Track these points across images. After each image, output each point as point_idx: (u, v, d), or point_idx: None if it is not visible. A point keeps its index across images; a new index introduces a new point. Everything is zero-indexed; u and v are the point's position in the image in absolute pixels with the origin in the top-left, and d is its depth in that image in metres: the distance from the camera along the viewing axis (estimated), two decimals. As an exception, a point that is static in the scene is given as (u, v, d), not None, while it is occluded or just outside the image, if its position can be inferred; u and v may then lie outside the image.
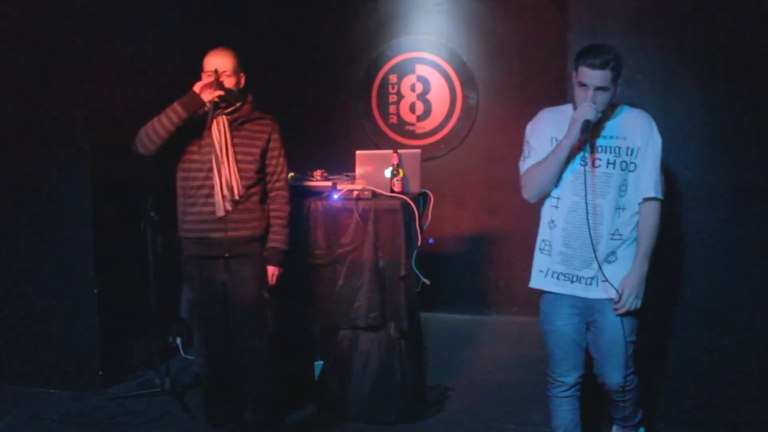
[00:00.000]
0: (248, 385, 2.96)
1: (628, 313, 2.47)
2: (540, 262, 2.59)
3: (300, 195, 3.39)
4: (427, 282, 3.44)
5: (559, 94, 3.36)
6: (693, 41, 2.97)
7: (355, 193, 3.33)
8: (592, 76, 2.34)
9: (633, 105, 2.54)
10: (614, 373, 2.51)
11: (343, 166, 3.81)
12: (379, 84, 5.31)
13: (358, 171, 3.54)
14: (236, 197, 2.77)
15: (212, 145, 2.78)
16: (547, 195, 2.54)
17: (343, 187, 3.40)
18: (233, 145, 2.79)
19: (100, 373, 3.71)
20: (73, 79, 3.61)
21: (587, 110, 2.35)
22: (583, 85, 2.38)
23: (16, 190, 3.75)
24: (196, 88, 2.70)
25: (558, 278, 2.54)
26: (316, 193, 3.43)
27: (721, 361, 3.06)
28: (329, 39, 5.34)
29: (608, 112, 2.45)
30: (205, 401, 3.07)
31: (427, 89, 5.22)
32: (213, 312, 2.89)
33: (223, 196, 2.75)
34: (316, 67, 5.37)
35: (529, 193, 2.54)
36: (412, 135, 5.28)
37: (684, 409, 3.09)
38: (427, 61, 5.20)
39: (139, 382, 3.77)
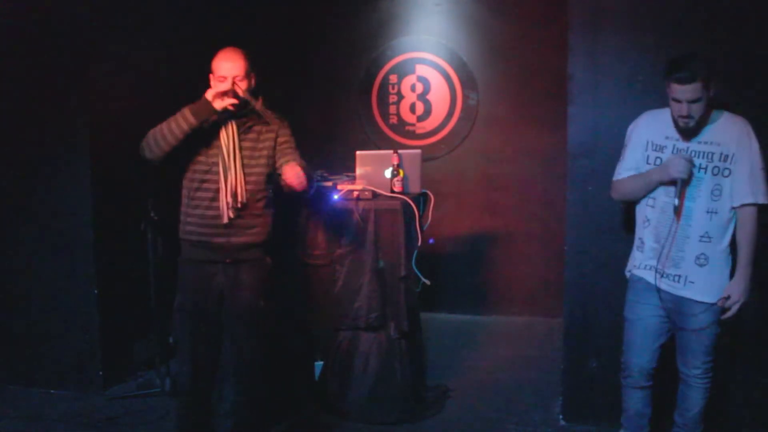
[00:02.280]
0: (239, 391, 2.92)
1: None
2: (635, 257, 2.70)
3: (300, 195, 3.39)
4: (427, 282, 3.44)
5: (560, 94, 3.36)
6: (693, 41, 2.97)
7: (356, 193, 3.33)
8: (683, 91, 2.40)
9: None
10: (694, 362, 2.61)
11: (343, 166, 3.80)
12: (379, 84, 5.31)
13: (359, 171, 3.54)
14: (239, 205, 2.70)
15: (219, 149, 2.69)
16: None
17: (343, 187, 3.40)
18: (241, 149, 2.71)
19: (101, 373, 3.71)
20: (73, 79, 3.61)
21: (682, 168, 2.44)
22: (676, 100, 2.44)
23: (16, 190, 3.75)
24: (209, 95, 2.60)
25: (650, 270, 2.61)
26: (316, 194, 3.42)
27: (720, 361, 3.05)
28: (329, 39, 5.34)
29: (704, 117, 2.49)
30: (182, 413, 2.92)
31: (427, 89, 5.22)
32: (205, 319, 2.80)
33: (227, 203, 2.68)
34: (316, 67, 5.37)
35: (615, 197, 2.75)
36: (413, 135, 5.28)
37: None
38: (428, 61, 5.19)
39: (139, 383, 3.77)
